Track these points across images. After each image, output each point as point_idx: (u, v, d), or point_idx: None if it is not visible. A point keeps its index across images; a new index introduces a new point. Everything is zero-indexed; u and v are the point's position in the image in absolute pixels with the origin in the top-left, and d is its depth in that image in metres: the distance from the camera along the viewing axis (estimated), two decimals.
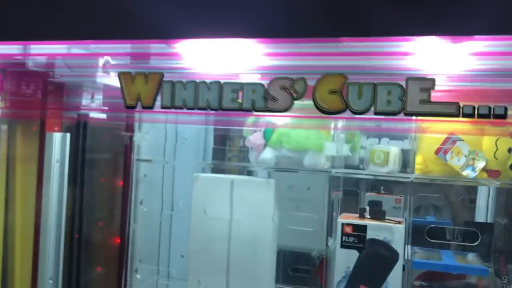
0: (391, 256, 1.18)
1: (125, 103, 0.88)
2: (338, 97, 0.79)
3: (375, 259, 1.19)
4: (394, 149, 1.28)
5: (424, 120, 1.22)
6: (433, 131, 1.22)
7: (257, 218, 1.30)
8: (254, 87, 0.84)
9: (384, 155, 1.27)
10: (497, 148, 1.17)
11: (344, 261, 1.21)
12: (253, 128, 1.32)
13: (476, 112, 0.75)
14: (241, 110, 0.84)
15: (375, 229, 1.20)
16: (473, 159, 1.19)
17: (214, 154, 1.62)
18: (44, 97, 1.07)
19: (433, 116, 0.75)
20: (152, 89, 0.87)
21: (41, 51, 1.02)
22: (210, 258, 1.36)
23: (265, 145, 1.31)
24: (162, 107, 0.88)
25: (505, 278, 1.23)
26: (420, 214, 1.61)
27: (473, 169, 1.19)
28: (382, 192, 1.61)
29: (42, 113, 1.07)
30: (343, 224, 1.22)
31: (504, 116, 0.71)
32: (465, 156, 1.20)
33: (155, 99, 0.87)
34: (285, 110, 0.83)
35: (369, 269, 1.20)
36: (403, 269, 1.17)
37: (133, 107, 0.88)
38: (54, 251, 1.12)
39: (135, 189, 1.60)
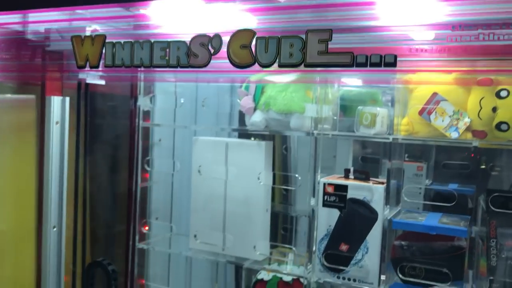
0: (370, 216, 1.20)
1: (77, 64, 0.97)
2: (248, 51, 0.81)
3: (355, 218, 1.22)
4: (381, 111, 1.27)
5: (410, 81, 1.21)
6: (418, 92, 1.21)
7: (250, 178, 1.36)
8: (178, 45, 0.88)
9: (371, 117, 1.27)
10: (481, 108, 1.14)
11: (326, 220, 1.25)
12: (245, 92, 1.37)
13: (368, 61, 0.75)
14: (168, 66, 0.90)
15: (355, 189, 1.22)
16: (457, 119, 1.17)
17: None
18: (43, 64, 1.18)
19: (329, 67, 0.76)
20: (97, 50, 0.94)
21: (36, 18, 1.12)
22: (208, 216, 1.44)
23: (255, 109, 1.35)
24: (105, 66, 0.95)
25: (492, 241, 1.21)
26: (443, 182, 1.59)
27: (457, 130, 1.16)
28: (406, 159, 1.60)
29: (42, 77, 1.18)
30: (325, 184, 1.25)
31: (393, 64, 0.70)
32: (449, 117, 1.18)
33: (99, 59, 0.95)
34: (204, 66, 0.87)
35: (349, 227, 1.22)
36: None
37: (83, 67, 0.96)
38: (58, 203, 1.25)
39: (151, 151, 1.71)
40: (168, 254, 1.73)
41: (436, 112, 1.19)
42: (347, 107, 1.36)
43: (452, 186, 1.56)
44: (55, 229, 1.25)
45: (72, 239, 1.33)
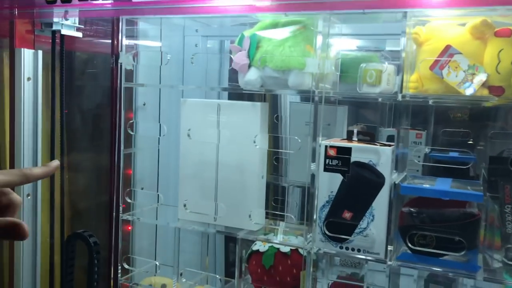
0: (376, 180, 1.10)
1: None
2: None
3: (359, 183, 1.12)
4: (388, 67, 1.16)
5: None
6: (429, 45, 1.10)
7: (244, 142, 1.25)
8: None
9: (376, 74, 1.17)
10: (499, 61, 1.04)
11: (327, 185, 1.15)
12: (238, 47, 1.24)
13: None
14: None
15: (360, 152, 1.12)
16: (473, 74, 1.06)
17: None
18: (12, 12, 1.05)
19: None
20: None
21: None
22: (198, 184, 1.33)
23: (249, 66, 1.23)
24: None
25: (508, 207, 1.12)
26: (443, 149, 1.51)
27: (472, 86, 1.06)
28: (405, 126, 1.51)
29: (11, 28, 1.05)
30: (326, 146, 1.14)
31: None
32: (464, 71, 1.07)
33: None
34: None
35: (353, 193, 1.12)
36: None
37: (53, 2, 0.83)
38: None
39: (134, 115, 1.59)
40: (154, 226, 1.63)
41: (449, 67, 1.08)
42: (342, 72, 1.25)
43: (453, 154, 1.48)
44: (29, 197, 1.13)
45: (49, 209, 1.21)
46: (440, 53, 1.08)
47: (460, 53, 1.07)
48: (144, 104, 1.60)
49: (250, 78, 1.22)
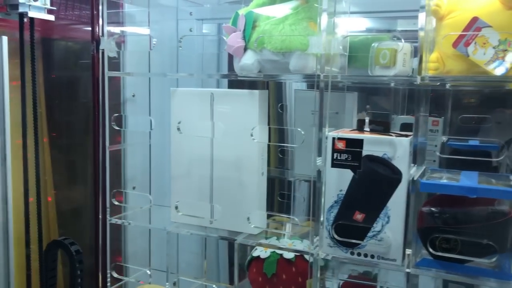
0: (392, 176, 0.96)
1: None
2: None
3: (372, 180, 0.97)
4: (404, 46, 1.01)
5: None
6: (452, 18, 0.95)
7: (241, 135, 1.11)
8: None
9: (390, 54, 1.02)
10: None
11: (336, 183, 1.00)
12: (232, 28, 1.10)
13: None
14: None
15: (373, 144, 0.97)
16: (505, 50, 0.91)
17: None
18: None
19: None
20: None
21: None
22: (192, 183, 1.20)
23: (245, 48, 1.09)
24: None
25: None
26: (462, 138, 1.37)
27: (503, 64, 0.91)
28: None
29: None
30: (334, 138, 1.00)
31: None
32: (494, 48, 0.92)
33: None
34: None
35: (366, 192, 0.98)
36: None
37: None
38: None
39: (123, 108, 1.46)
40: (148, 229, 1.50)
41: (475, 43, 0.93)
42: (351, 56, 1.10)
43: (473, 142, 1.34)
44: None
45: (24, 213, 1.08)
46: (465, 27, 0.93)
47: (490, 26, 0.91)
48: (133, 96, 1.46)
49: (246, 62, 1.08)
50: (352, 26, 1.22)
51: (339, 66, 1.11)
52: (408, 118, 1.39)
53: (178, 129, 1.17)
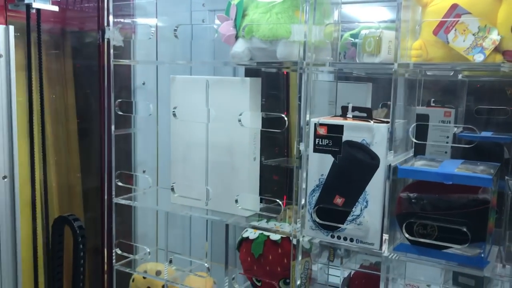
0: (370, 162, 0.97)
1: None
2: None
3: (351, 165, 0.99)
4: (387, 33, 1.02)
5: None
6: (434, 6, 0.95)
7: (233, 121, 1.15)
8: None
9: (374, 42, 1.03)
10: None
11: (318, 167, 1.03)
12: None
13: None
14: None
15: (353, 130, 0.99)
16: (484, 37, 0.91)
17: None
18: None
19: None
20: None
21: None
22: (188, 166, 1.25)
23: (236, 36, 1.13)
24: None
25: None
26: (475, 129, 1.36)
27: (482, 51, 0.90)
28: (432, 104, 1.37)
29: None
30: (316, 124, 1.02)
31: None
32: (473, 35, 0.91)
33: None
34: None
35: (345, 177, 1.00)
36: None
37: None
38: (8, 149, 1.08)
39: (133, 95, 1.53)
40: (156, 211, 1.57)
41: (455, 30, 0.93)
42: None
43: (486, 134, 1.32)
44: (6, 179, 1.09)
45: (31, 193, 1.17)
46: (445, 14, 0.93)
47: (469, 13, 0.91)
48: (143, 84, 1.53)
49: (237, 50, 1.12)
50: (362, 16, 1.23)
51: (330, 54, 1.14)
52: (423, 109, 1.38)
53: (174, 114, 1.22)
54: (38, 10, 1.12)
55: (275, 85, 1.54)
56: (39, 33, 1.13)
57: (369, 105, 1.34)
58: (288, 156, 1.51)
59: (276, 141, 1.51)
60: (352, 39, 1.17)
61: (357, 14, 1.36)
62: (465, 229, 0.92)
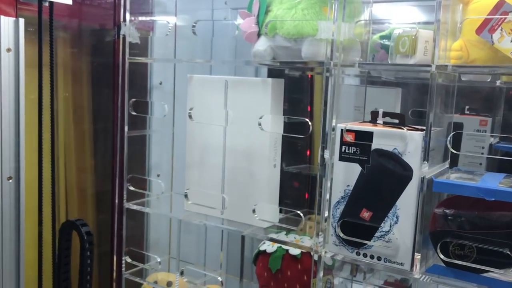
0: (402, 173, 0.88)
1: None
2: None
3: (381, 176, 0.90)
4: (424, 33, 0.93)
5: None
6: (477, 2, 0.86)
7: (253, 124, 1.07)
8: None
9: (409, 41, 0.94)
10: None
11: (343, 177, 0.94)
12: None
13: None
14: None
15: (383, 137, 0.90)
16: None
17: None
18: None
19: None
20: None
21: None
22: (204, 172, 1.18)
23: (259, 34, 1.05)
24: None
25: None
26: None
27: None
28: (467, 112, 1.27)
29: None
30: (342, 130, 0.94)
31: None
32: None
33: None
34: None
35: (374, 189, 0.91)
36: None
37: None
38: (14, 149, 1.02)
39: (150, 95, 1.47)
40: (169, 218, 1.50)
41: (502, 29, 0.83)
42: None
43: None
44: (10, 181, 1.04)
45: (38, 194, 1.11)
46: (490, 11, 0.84)
47: None
48: (160, 83, 1.46)
49: (259, 48, 1.04)
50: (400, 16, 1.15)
51: (359, 55, 1.05)
52: (457, 117, 1.29)
53: (190, 116, 1.15)
54: (51, 3, 1.06)
55: (298, 88, 1.45)
56: (51, 28, 1.07)
57: (398, 111, 1.26)
58: (310, 163, 1.43)
59: (296, 146, 1.43)
60: (382, 41, 1.09)
61: (386, 15, 1.28)
62: (508, 251, 0.82)
